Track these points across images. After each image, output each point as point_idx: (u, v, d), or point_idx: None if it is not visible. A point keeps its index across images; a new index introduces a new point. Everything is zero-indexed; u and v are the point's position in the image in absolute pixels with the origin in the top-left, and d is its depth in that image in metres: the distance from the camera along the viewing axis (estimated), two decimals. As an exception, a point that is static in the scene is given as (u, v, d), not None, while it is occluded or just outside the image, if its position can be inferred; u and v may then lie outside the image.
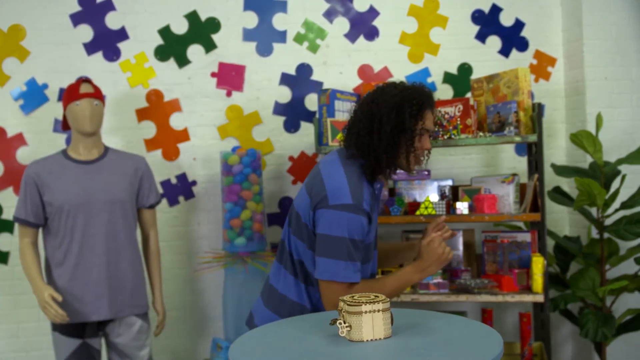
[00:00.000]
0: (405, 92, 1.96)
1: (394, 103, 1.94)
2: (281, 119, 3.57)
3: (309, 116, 3.55)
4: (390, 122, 1.92)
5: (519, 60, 3.63)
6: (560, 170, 3.32)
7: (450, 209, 3.09)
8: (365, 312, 1.40)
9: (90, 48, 3.44)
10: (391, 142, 1.92)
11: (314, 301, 2.01)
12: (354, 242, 1.86)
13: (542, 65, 3.65)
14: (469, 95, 3.52)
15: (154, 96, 3.48)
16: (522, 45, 3.64)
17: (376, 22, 3.59)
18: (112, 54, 3.45)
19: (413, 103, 1.94)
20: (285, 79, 3.56)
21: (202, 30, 3.51)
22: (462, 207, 3.04)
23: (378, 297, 1.44)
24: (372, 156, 1.93)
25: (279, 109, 3.55)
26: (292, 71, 3.56)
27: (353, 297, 1.45)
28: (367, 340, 1.40)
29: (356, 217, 1.85)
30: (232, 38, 3.53)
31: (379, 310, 1.40)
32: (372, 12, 3.59)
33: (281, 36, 3.55)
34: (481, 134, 3.08)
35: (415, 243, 2.25)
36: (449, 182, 3.27)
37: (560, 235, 3.50)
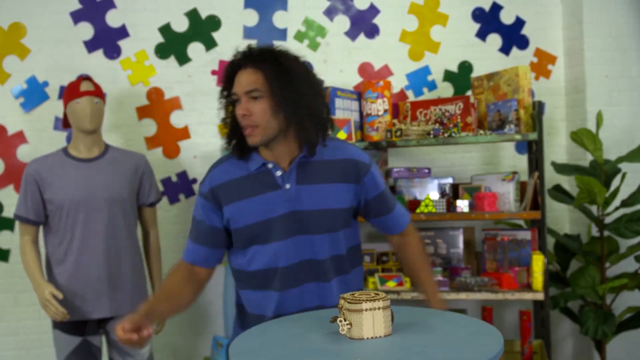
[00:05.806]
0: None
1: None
2: (281, 117, 3.56)
3: (310, 114, 3.55)
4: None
5: (520, 58, 3.63)
6: (561, 168, 3.32)
7: (451, 206, 3.09)
8: (366, 309, 1.40)
9: (91, 46, 3.44)
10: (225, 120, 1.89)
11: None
12: (193, 219, 1.91)
13: (543, 63, 3.64)
14: (469, 93, 3.52)
15: (155, 94, 3.48)
16: (523, 43, 3.64)
17: (376, 20, 3.59)
18: (113, 52, 3.45)
19: (223, 77, 1.91)
20: (286, 77, 3.55)
21: (203, 28, 3.50)
22: (462, 205, 3.05)
23: (378, 294, 1.44)
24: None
25: (279, 106, 3.55)
26: (292, 69, 3.55)
27: (353, 294, 1.45)
28: (368, 338, 1.40)
29: (197, 199, 1.90)
30: (233, 36, 3.52)
31: (379, 308, 1.41)
32: (373, 10, 3.59)
33: (281, 34, 3.55)
34: (481, 132, 3.08)
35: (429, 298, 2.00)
36: (450, 180, 3.27)
37: (561, 233, 3.50)
